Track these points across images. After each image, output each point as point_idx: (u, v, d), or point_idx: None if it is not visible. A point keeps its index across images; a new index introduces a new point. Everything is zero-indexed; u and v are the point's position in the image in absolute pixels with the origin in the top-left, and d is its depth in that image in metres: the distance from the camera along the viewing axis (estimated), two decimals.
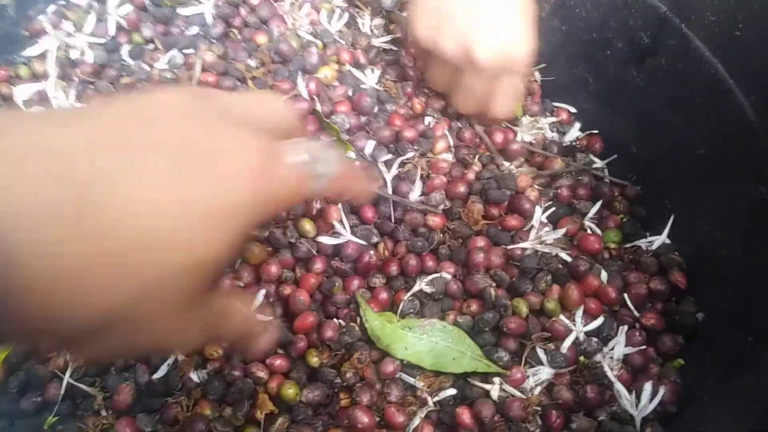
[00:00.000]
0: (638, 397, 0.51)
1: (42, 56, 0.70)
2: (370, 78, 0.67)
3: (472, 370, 0.53)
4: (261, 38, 0.66)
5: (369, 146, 0.62)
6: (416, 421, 0.51)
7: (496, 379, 0.52)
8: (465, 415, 0.50)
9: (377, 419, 0.51)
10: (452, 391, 0.52)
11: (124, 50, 0.69)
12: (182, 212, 0.25)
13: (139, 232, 0.24)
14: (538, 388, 0.53)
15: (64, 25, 0.70)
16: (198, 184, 0.26)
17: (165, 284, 0.26)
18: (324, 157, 0.33)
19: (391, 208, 0.60)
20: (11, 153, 0.22)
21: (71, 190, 0.23)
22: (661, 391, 0.50)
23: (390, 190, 0.60)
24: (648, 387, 0.51)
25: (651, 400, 0.50)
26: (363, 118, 0.65)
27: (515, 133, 0.70)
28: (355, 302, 0.56)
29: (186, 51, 0.67)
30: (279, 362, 0.52)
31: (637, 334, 0.55)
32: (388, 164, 0.62)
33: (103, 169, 0.24)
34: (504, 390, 0.52)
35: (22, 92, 0.68)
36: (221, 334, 0.35)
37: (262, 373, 0.51)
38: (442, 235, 0.60)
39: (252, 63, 0.63)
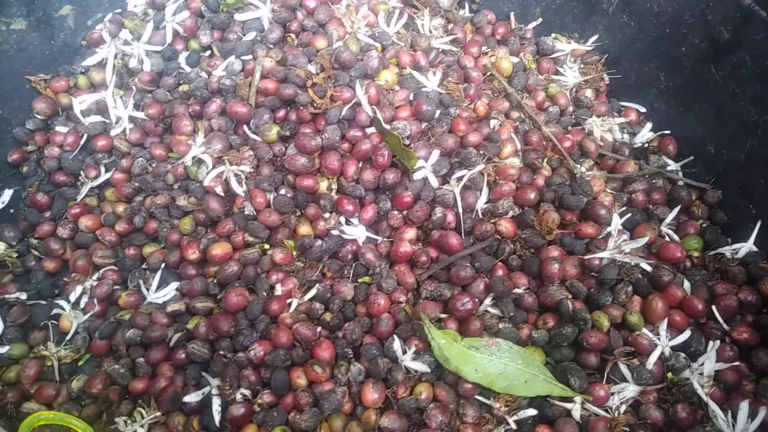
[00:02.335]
0: (734, 418, 0.47)
1: (100, 65, 0.69)
2: (431, 81, 0.64)
3: (546, 394, 0.50)
4: (320, 42, 0.64)
5: (432, 157, 0.59)
6: None
7: (578, 398, 0.50)
8: None
9: None
10: (532, 412, 0.50)
11: (182, 58, 0.68)
12: None
13: None
14: (624, 407, 0.50)
15: (121, 33, 0.70)
16: None
17: None
18: None
19: (461, 221, 0.58)
20: None
21: None
22: (762, 411, 0.47)
23: (460, 206, 0.58)
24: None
25: (750, 421, 0.47)
26: (423, 124, 0.62)
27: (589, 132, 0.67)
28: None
29: (244, 57, 0.65)
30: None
31: (728, 348, 0.51)
32: (458, 179, 0.59)
33: None
34: (586, 409, 0.50)
35: (80, 102, 0.68)
36: None
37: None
38: (512, 245, 0.58)
39: (312, 68, 0.61)
